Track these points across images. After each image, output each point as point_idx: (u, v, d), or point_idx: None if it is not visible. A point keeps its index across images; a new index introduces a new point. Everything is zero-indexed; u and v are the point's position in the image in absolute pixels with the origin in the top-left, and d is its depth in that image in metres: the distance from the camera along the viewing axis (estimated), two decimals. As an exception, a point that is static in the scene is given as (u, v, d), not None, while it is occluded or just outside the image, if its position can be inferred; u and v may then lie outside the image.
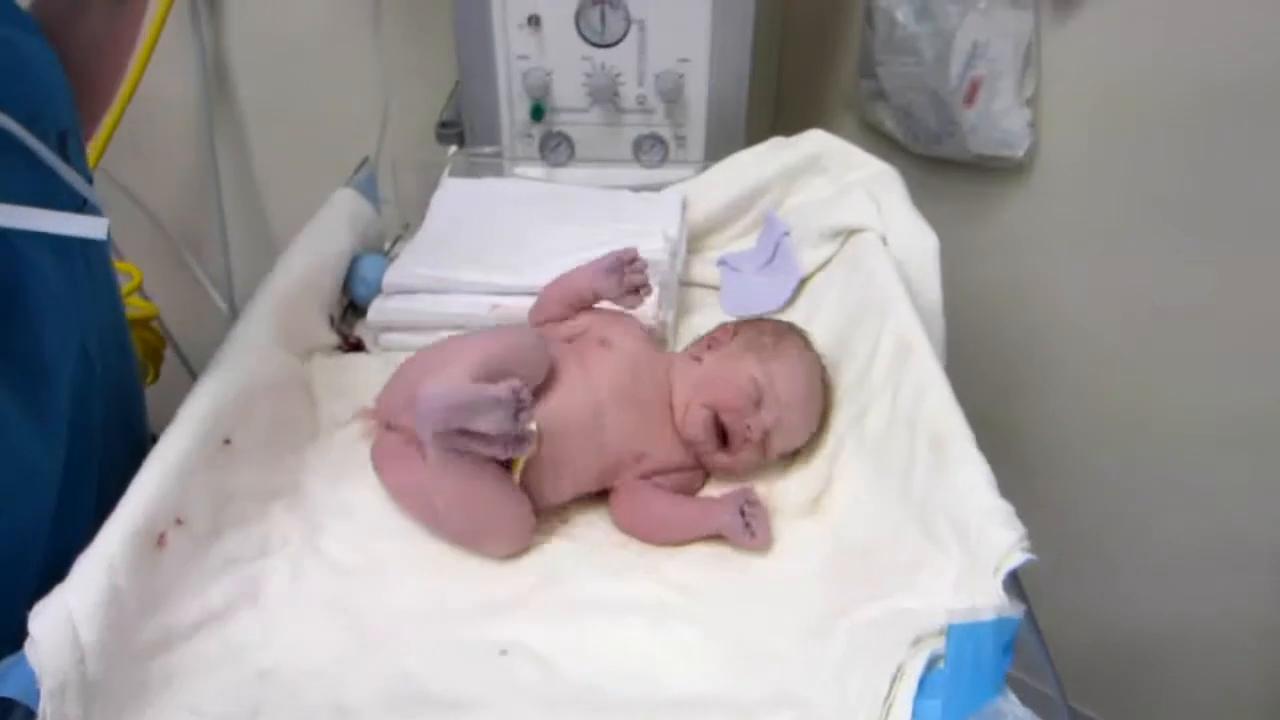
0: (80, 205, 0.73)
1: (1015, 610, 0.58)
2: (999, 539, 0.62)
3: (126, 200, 1.54)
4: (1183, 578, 1.52)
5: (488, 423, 0.70)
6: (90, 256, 0.74)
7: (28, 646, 0.54)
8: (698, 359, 0.88)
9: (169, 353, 1.44)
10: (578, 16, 1.15)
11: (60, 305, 0.68)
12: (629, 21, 1.16)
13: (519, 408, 0.70)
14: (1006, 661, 0.56)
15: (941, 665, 0.57)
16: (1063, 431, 1.49)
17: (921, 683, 0.56)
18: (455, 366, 0.73)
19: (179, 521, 0.66)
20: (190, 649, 0.63)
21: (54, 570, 0.58)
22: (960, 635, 0.54)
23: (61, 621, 0.55)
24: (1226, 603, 1.46)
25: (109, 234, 0.84)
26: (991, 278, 1.43)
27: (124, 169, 1.47)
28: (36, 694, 0.53)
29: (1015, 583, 0.63)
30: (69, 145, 0.71)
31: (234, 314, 1.65)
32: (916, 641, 0.58)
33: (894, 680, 0.56)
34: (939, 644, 0.58)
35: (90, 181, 0.77)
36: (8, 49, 0.64)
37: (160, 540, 0.64)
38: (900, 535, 0.73)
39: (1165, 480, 1.43)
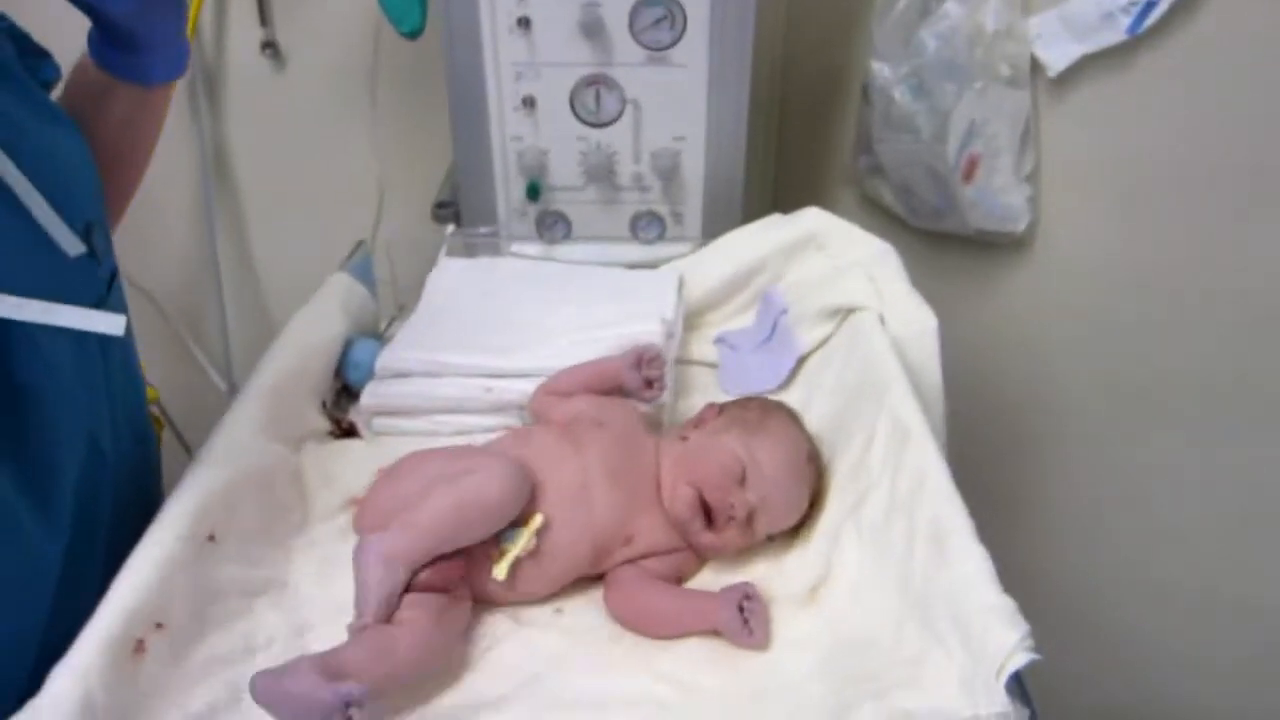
0: (104, 294, 0.74)
1: (1020, 715, 0.56)
2: (1001, 639, 0.60)
3: (125, 282, 1.54)
4: (1201, 644, 1.48)
5: None
6: (108, 346, 0.75)
7: (-3, 764, 0.53)
8: (684, 438, 0.88)
9: (167, 434, 1.44)
10: (573, 97, 1.17)
11: (72, 397, 0.68)
12: (624, 101, 1.17)
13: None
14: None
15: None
16: (1066, 506, 1.47)
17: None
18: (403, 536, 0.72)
19: (159, 625, 0.64)
20: (168, 759, 0.61)
21: (50, 661, 0.58)
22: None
23: (32, 740, 0.54)
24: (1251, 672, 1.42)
25: (134, 343, 0.87)
26: (993, 352, 1.42)
27: (123, 251, 1.46)
28: (2, 817, 0.51)
29: (1019, 684, 0.60)
30: (94, 237, 0.72)
31: (233, 393, 1.64)
32: (918, 752, 0.56)
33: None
34: (941, 755, 0.56)
35: (115, 273, 0.79)
36: (38, 142, 0.66)
37: (138, 647, 0.62)
38: (901, 629, 0.71)
39: (1174, 560, 1.40)
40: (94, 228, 0.73)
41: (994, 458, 1.41)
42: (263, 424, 0.83)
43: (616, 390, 0.93)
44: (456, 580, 0.75)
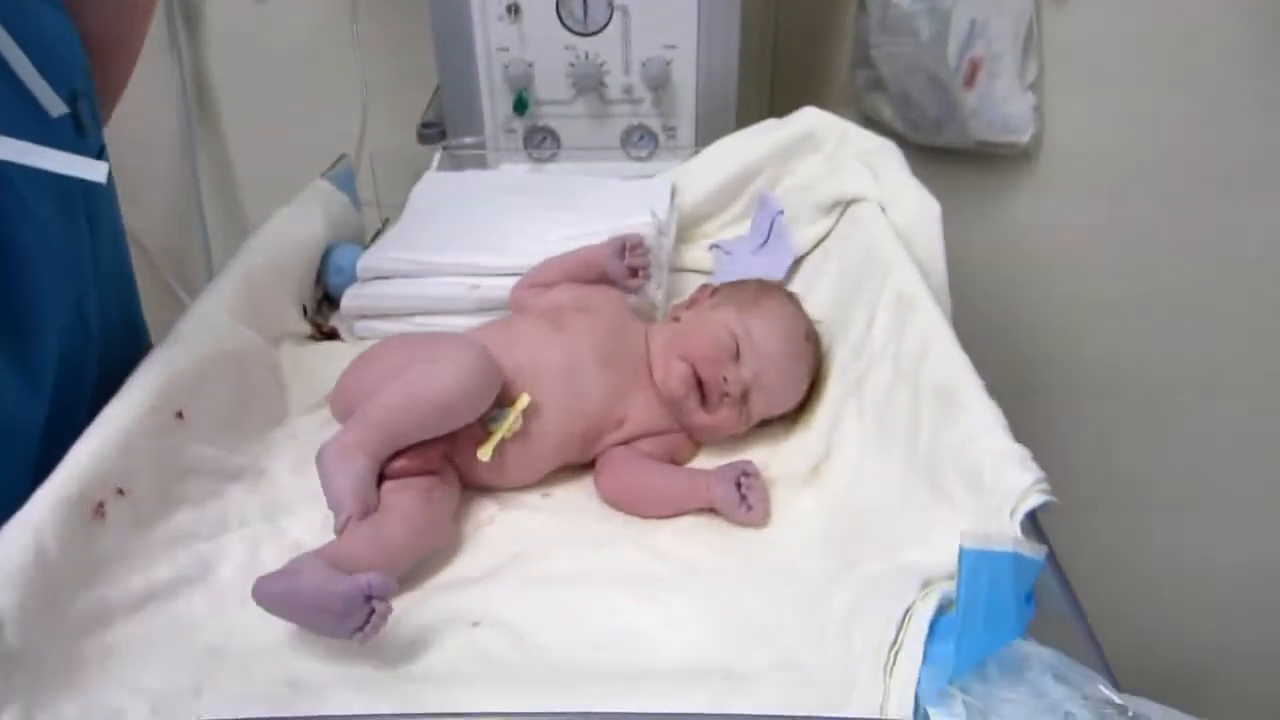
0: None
1: (1035, 550, 0.52)
2: (1015, 480, 0.56)
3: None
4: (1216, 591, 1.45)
5: (330, 626, 0.57)
6: (95, 216, 0.73)
7: (-58, 614, 0.49)
8: (676, 319, 0.85)
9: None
10: (559, 4, 1.13)
11: (56, 257, 0.66)
12: (612, 8, 1.13)
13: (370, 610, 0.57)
14: (1028, 611, 0.50)
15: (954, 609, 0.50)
16: (1077, 426, 1.43)
17: (933, 626, 0.49)
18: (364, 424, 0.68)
19: (120, 491, 0.61)
20: (132, 625, 0.58)
21: None
22: (973, 564, 0.48)
23: (-23, 586, 0.50)
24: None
25: (123, 230, 0.84)
26: (997, 270, 1.38)
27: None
28: (-54, 664, 0.48)
29: (1035, 527, 0.57)
30: (80, 107, 0.71)
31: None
32: (926, 584, 0.53)
33: (902, 625, 0.50)
34: (952, 586, 0.52)
35: (103, 144, 0.77)
36: (25, 9, 0.65)
37: (98, 509, 0.59)
38: (906, 498, 0.68)
39: (1186, 474, 1.37)
40: (80, 99, 0.71)
41: (997, 379, 1.37)
42: (237, 310, 0.80)
43: (600, 280, 0.89)
44: (438, 462, 0.71)
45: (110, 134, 1.31)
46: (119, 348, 0.76)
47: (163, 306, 1.59)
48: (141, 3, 0.83)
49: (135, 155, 1.48)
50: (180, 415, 0.68)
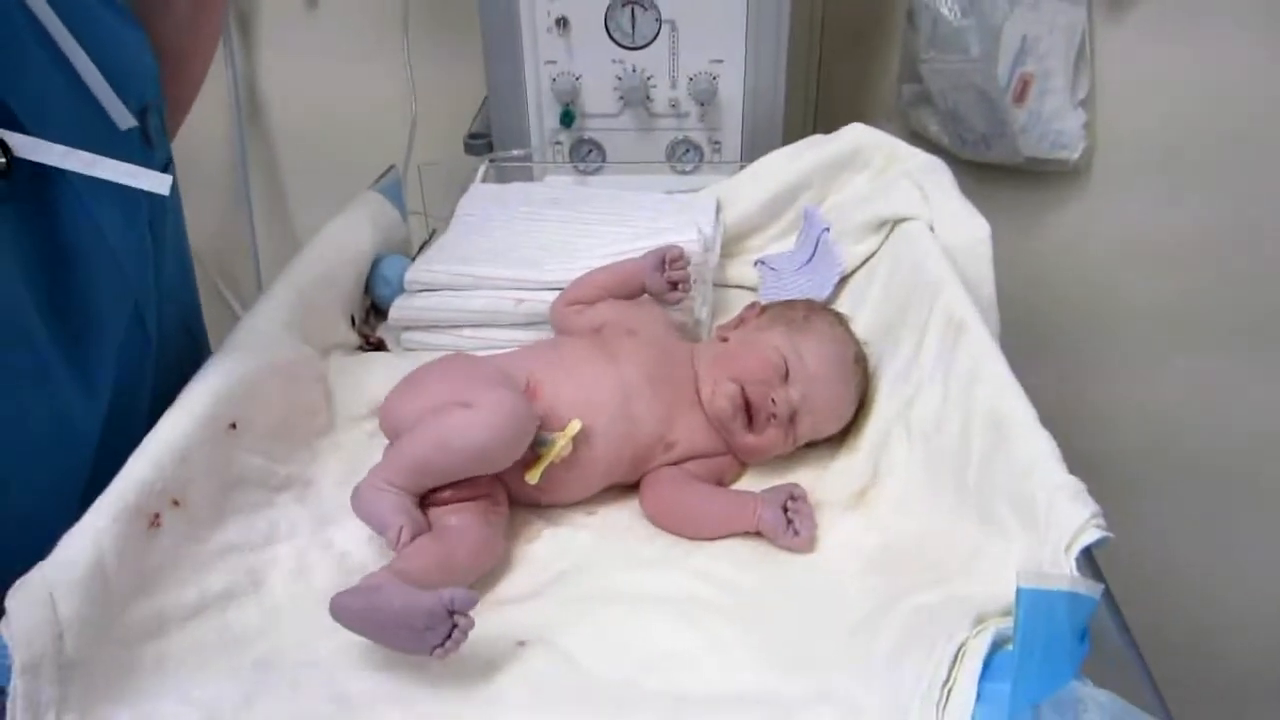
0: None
1: (1092, 589, 0.51)
2: (1070, 515, 0.55)
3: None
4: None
5: (411, 642, 0.57)
6: (158, 227, 0.75)
7: (3, 623, 0.50)
8: (723, 339, 0.84)
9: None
10: (607, 18, 1.13)
11: (117, 264, 0.68)
12: (660, 22, 1.13)
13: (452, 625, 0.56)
14: (1082, 650, 0.50)
15: (1009, 647, 0.50)
16: (1122, 447, 1.41)
17: (986, 664, 0.49)
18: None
19: (175, 503, 0.61)
20: (185, 635, 0.59)
21: None
22: (1032, 603, 0.47)
23: (39, 595, 0.51)
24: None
25: (183, 226, 0.86)
26: (1045, 288, 1.37)
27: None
28: (8, 671, 0.49)
29: (1091, 563, 0.56)
30: (149, 121, 0.72)
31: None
32: (979, 620, 0.52)
33: (955, 662, 0.49)
34: (1005, 624, 0.51)
35: (169, 157, 0.79)
36: (99, 22, 0.66)
37: (154, 520, 0.59)
38: (956, 527, 0.67)
39: (1238, 499, 1.34)
40: (150, 112, 0.73)
41: (1045, 399, 1.35)
42: (288, 322, 0.81)
43: (640, 294, 0.89)
44: (489, 485, 0.71)
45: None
46: (178, 359, 0.77)
47: (212, 311, 1.61)
48: (209, 18, 0.84)
49: (186, 162, 1.49)
50: (233, 426, 0.69)
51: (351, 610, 0.58)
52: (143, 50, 0.74)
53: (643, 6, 1.13)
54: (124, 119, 0.66)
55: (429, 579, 0.60)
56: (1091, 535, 0.54)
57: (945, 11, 1.17)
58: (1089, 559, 0.55)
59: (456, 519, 0.68)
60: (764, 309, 0.85)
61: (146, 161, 0.71)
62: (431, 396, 0.73)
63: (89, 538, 0.55)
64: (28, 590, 0.51)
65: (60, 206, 0.63)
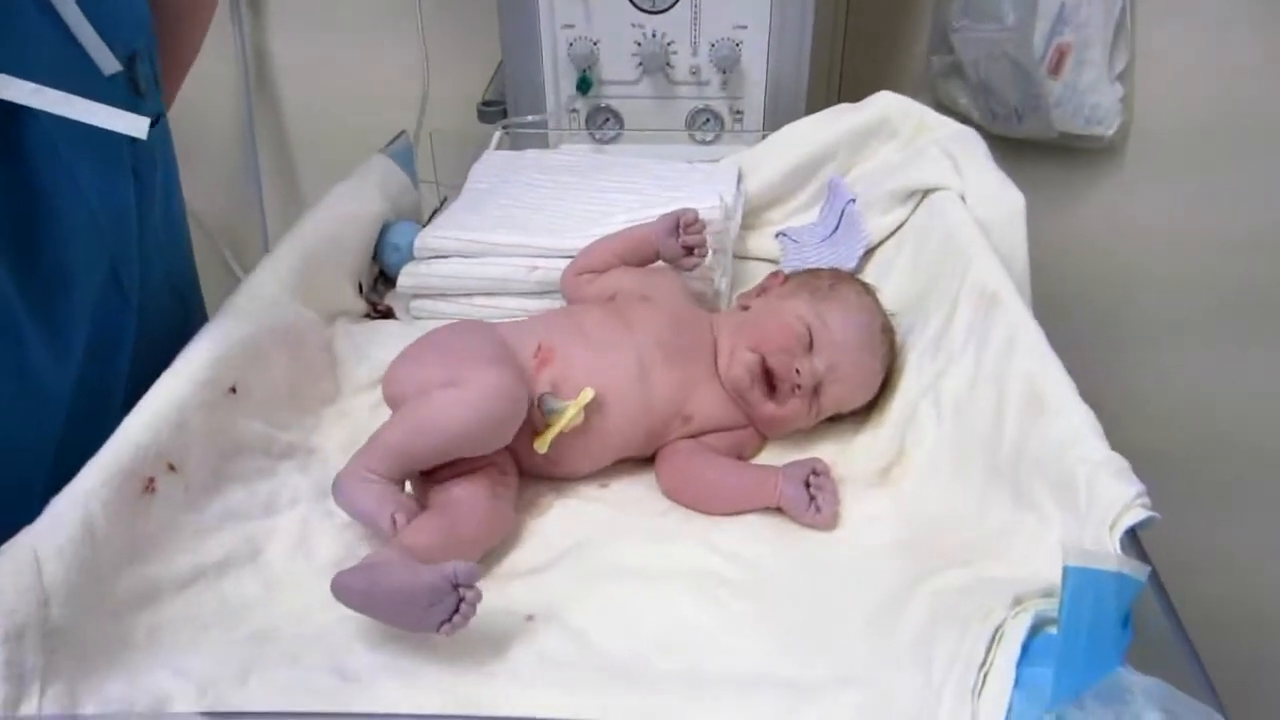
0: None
1: (1139, 570, 0.48)
2: (1115, 493, 0.52)
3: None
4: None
5: (416, 619, 0.54)
6: (144, 179, 0.71)
7: (-14, 589, 0.48)
8: (744, 307, 0.81)
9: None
10: (627, -20, 1.10)
11: (94, 221, 0.64)
12: (682, -16, 1.10)
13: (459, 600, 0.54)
14: (1127, 635, 0.46)
15: (1051, 629, 0.47)
16: (1157, 427, 1.37)
17: (1025, 648, 0.46)
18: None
19: (171, 467, 0.59)
20: (179, 604, 0.56)
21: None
22: (1078, 583, 0.44)
23: (24, 560, 0.48)
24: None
25: (182, 204, 0.81)
26: (1077, 268, 1.32)
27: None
28: (-10, 638, 0.46)
29: (1136, 543, 0.52)
30: (138, 68, 0.69)
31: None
32: (1018, 602, 0.49)
33: (991, 644, 0.46)
34: (1046, 606, 0.48)
35: (162, 111, 0.75)
36: None
37: (148, 485, 0.57)
38: (986, 506, 0.64)
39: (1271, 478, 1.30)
40: (138, 60, 0.69)
41: (1078, 375, 1.31)
42: (292, 286, 0.78)
43: (653, 260, 0.85)
44: (495, 454, 0.68)
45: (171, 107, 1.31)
46: (164, 322, 0.73)
47: (218, 280, 1.59)
48: None
49: (193, 127, 1.47)
50: (234, 390, 0.67)
51: (353, 589, 0.55)
52: None
53: (664, -32, 1.09)
54: (109, 63, 0.62)
55: (434, 555, 0.57)
56: (1137, 515, 0.51)
57: (979, -24, 1.13)
58: (1134, 541, 0.52)
59: (460, 490, 0.65)
60: (787, 277, 0.82)
61: (133, 110, 0.68)
62: (424, 370, 0.70)
63: (78, 501, 0.52)
64: (12, 555, 0.48)
65: (33, 154, 0.59)
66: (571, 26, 1.13)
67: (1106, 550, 0.48)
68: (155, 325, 0.72)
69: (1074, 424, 0.58)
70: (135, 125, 0.58)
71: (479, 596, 0.54)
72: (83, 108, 0.56)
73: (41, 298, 0.61)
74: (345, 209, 0.91)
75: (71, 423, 0.63)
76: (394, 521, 0.60)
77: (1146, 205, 1.28)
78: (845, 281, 0.80)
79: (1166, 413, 1.37)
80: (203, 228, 1.54)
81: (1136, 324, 1.34)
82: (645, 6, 1.11)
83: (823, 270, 0.83)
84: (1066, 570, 0.44)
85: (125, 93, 0.67)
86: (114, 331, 0.68)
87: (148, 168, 0.71)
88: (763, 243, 1.05)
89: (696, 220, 0.84)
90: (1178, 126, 1.23)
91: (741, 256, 1.04)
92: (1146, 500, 0.52)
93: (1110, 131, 1.21)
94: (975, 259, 0.78)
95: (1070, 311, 1.33)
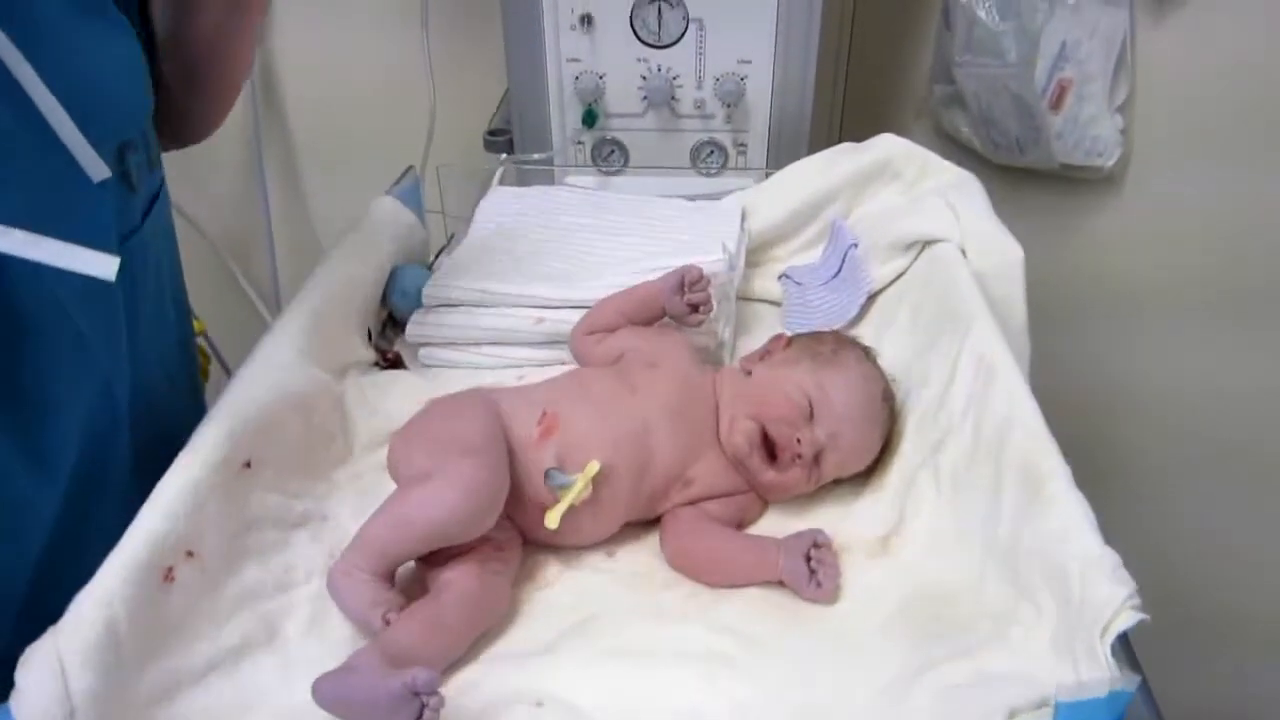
0: (138, 224, 0.69)
1: (1129, 682, 0.50)
2: (1106, 594, 0.54)
3: (175, 214, 1.52)
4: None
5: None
6: (138, 278, 0.69)
7: (13, 700, 0.49)
8: (747, 371, 0.82)
9: (214, 367, 1.42)
10: (633, 15, 1.10)
11: (82, 343, 0.62)
12: (687, 20, 1.10)
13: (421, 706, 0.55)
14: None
15: (1042, 746, 0.48)
16: (1153, 460, 1.39)
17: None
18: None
19: (190, 554, 0.60)
20: (199, 695, 0.58)
21: (37, 617, 0.52)
22: (1070, 716, 0.45)
23: (51, 669, 0.50)
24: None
25: (179, 272, 0.80)
26: (1076, 296, 1.34)
27: (173, 182, 1.45)
28: (18, 750, 0.48)
29: (1126, 647, 0.54)
30: (129, 159, 0.66)
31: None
32: (1012, 715, 0.50)
33: (987, 762, 0.48)
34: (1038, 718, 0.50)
35: (156, 197, 0.73)
36: (69, 39, 0.58)
37: (167, 575, 0.58)
38: (984, 583, 0.66)
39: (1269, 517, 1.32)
40: (130, 150, 0.66)
41: (1073, 411, 1.33)
42: (304, 348, 0.79)
43: (660, 317, 0.87)
44: (489, 533, 0.69)
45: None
46: (164, 424, 0.71)
47: (224, 292, 1.60)
48: (248, 23, 0.76)
49: (200, 146, 1.48)
50: (248, 465, 0.68)
51: (326, 696, 0.57)
52: (127, 65, 0.64)
53: (670, 4, 1.09)
54: (98, 170, 0.58)
55: (419, 649, 0.59)
56: (1128, 619, 0.53)
57: (983, 15, 1.13)
58: (1124, 641, 0.54)
59: (452, 573, 0.66)
60: (790, 341, 0.83)
61: (126, 207, 0.66)
62: (412, 455, 0.72)
63: (101, 602, 0.53)
64: (39, 663, 0.50)
65: (11, 278, 0.56)
66: (577, 60, 1.13)
67: (1097, 675, 0.49)
68: (147, 417, 0.71)
69: (1068, 515, 0.60)
70: (103, 266, 0.53)
71: (442, 702, 0.55)
72: (51, 250, 0.52)
73: (22, 424, 0.60)
74: (355, 261, 0.92)
75: (58, 541, 0.62)
76: (385, 620, 0.62)
77: (1144, 231, 1.29)
78: (847, 347, 0.82)
79: (1160, 424, 1.39)
80: (207, 237, 1.55)
81: (1135, 351, 1.35)
82: (651, 41, 1.11)
83: (825, 335, 0.84)
84: (1058, 706, 0.45)
85: (116, 189, 0.64)
86: (103, 448, 0.67)
87: (139, 262, 0.69)
88: (766, 284, 1.06)
89: (701, 278, 0.85)
90: (1177, 154, 1.24)
91: (745, 298, 1.05)
92: (1137, 600, 0.54)
93: (1110, 162, 1.22)
94: (975, 323, 0.79)
95: (1069, 336, 1.35)
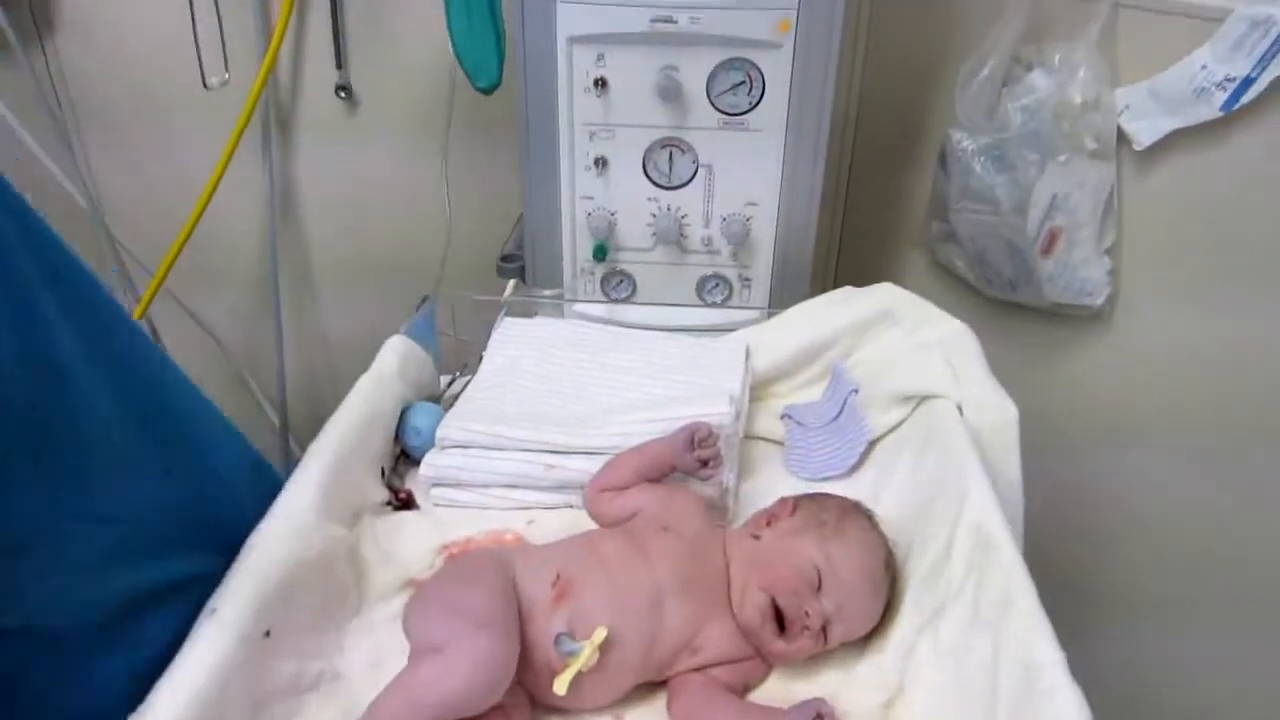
0: None
1: None
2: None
3: (189, 320, 1.56)
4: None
5: None
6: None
7: None
8: (756, 536, 0.84)
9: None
10: (645, 159, 1.14)
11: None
12: (697, 165, 1.14)
13: None
14: None
15: None
16: (1143, 594, 1.41)
17: None
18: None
19: (212, 732, 0.62)
20: None
21: None
22: None
23: None
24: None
25: None
26: (1065, 427, 1.37)
27: (188, 288, 1.49)
28: None
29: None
30: None
31: (285, 430, 1.65)
32: None
33: None
34: None
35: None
36: None
37: (190, 755, 0.60)
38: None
39: (1262, 658, 1.34)
40: None
41: (1064, 545, 1.36)
42: (321, 506, 0.80)
43: (670, 473, 0.90)
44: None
45: (198, 232, 1.35)
46: None
47: (235, 397, 1.63)
48: None
49: (219, 252, 1.53)
50: (268, 634, 0.70)
51: None
52: None
53: (681, 149, 1.14)
54: None
55: None
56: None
57: (978, 168, 1.18)
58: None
59: None
60: (796, 506, 0.86)
61: None
62: (426, 625, 0.74)
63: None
64: None
65: None
66: (591, 198, 1.18)
67: None
68: None
69: (1062, 710, 0.62)
70: None
71: None
72: None
73: None
74: (367, 408, 0.94)
75: None
76: None
77: (1133, 362, 1.33)
78: (850, 516, 0.84)
79: (1150, 554, 1.41)
80: (220, 344, 1.58)
81: (1124, 484, 1.38)
82: (662, 183, 1.16)
83: (829, 502, 0.87)
84: None
85: None
86: None
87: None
88: (768, 423, 1.09)
89: (709, 435, 0.88)
90: (1164, 290, 1.28)
91: (748, 436, 1.08)
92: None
93: (1099, 301, 1.26)
94: (971, 488, 0.82)
95: (1059, 468, 1.38)
